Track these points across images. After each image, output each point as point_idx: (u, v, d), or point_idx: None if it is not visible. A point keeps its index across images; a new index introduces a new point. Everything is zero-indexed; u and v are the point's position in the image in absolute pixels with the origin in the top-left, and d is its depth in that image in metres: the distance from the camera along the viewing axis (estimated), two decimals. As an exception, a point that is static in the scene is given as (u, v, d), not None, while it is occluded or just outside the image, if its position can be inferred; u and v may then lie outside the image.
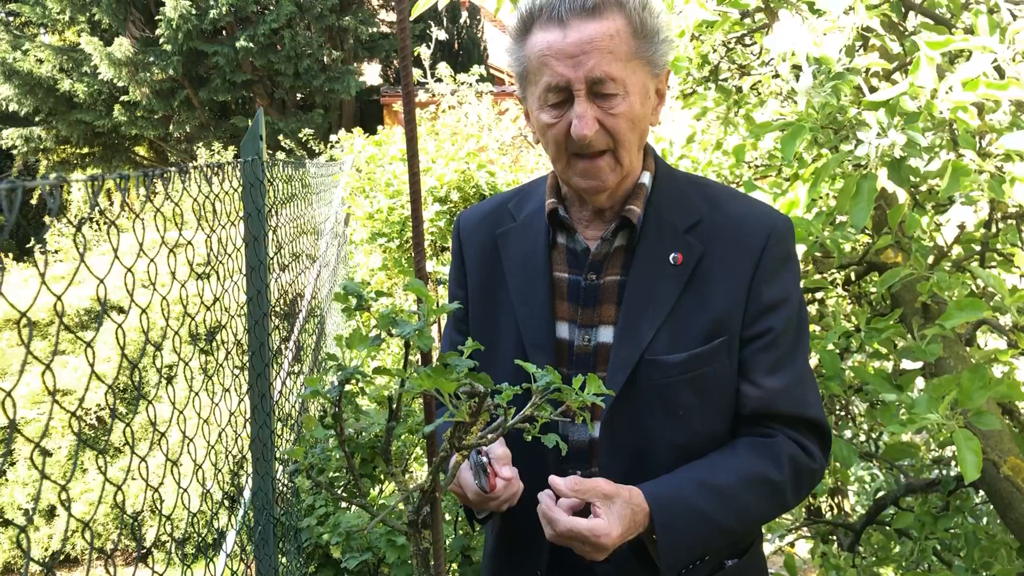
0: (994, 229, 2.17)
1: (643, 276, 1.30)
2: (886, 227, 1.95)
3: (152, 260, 1.33)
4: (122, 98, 14.36)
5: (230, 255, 2.06)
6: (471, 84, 7.90)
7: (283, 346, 3.55)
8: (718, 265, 1.29)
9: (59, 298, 0.95)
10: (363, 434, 2.86)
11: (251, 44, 13.56)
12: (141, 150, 17.03)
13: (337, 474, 2.84)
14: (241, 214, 2.17)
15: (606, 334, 1.32)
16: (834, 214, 1.93)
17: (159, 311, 1.52)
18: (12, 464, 5.82)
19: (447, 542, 2.64)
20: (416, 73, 8.39)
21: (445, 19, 16.84)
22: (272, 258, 2.50)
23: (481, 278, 1.45)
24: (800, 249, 1.87)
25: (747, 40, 2.72)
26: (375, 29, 15.69)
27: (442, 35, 15.44)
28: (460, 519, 2.76)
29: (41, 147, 15.43)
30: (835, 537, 2.86)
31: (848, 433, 3.02)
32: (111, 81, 13.89)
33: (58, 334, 5.87)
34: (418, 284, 0.97)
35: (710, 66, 2.68)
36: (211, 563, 2.19)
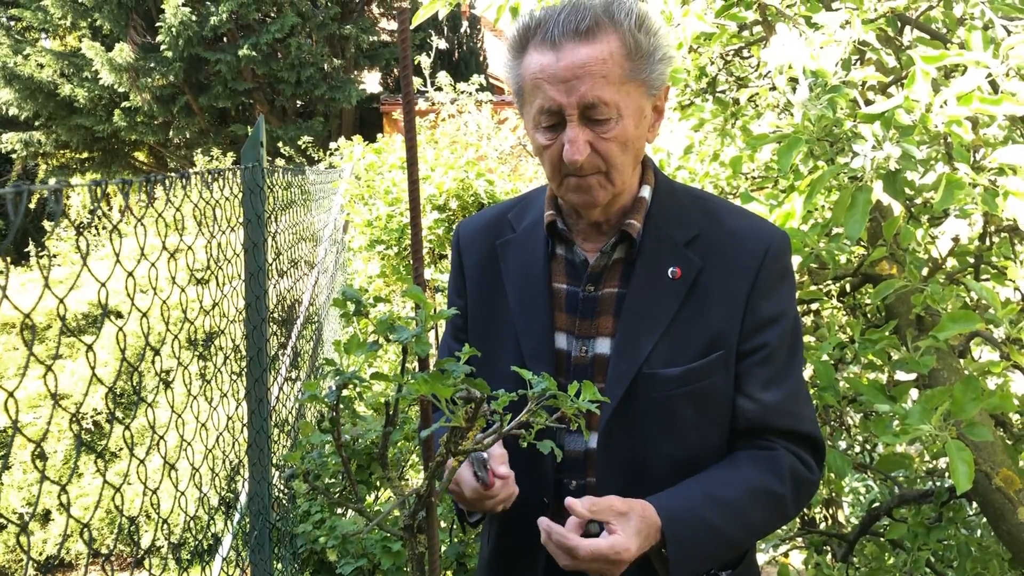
0: (988, 242, 2.18)
1: (642, 290, 1.30)
2: (881, 239, 1.96)
3: (153, 264, 1.34)
4: (122, 103, 14.36)
5: (229, 260, 2.07)
6: (471, 93, 7.94)
7: (280, 352, 3.55)
8: (716, 280, 1.30)
9: (61, 300, 0.96)
10: (359, 440, 2.86)
11: (254, 52, 13.59)
12: (140, 155, 17.03)
13: (333, 480, 2.84)
14: (241, 220, 2.18)
15: (603, 345, 1.32)
16: (829, 226, 1.94)
17: (158, 316, 1.53)
18: (7, 468, 5.81)
19: (442, 549, 2.64)
20: (416, 82, 8.42)
21: (446, 28, 16.89)
22: (271, 264, 2.51)
23: (480, 288, 1.45)
24: (796, 260, 1.88)
25: (745, 53, 2.74)
26: (376, 38, 15.72)
27: (442, 44, 15.50)
28: (455, 526, 2.76)
29: (40, 151, 15.42)
30: (829, 548, 2.86)
31: (842, 444, 3.02)
32: (111, 86, 13.90)
33: (60, 337, 5.86)
34: (416, 290, 0.98)
35: (708, 78, 2.70)
36: (207, 568, 2.19)
